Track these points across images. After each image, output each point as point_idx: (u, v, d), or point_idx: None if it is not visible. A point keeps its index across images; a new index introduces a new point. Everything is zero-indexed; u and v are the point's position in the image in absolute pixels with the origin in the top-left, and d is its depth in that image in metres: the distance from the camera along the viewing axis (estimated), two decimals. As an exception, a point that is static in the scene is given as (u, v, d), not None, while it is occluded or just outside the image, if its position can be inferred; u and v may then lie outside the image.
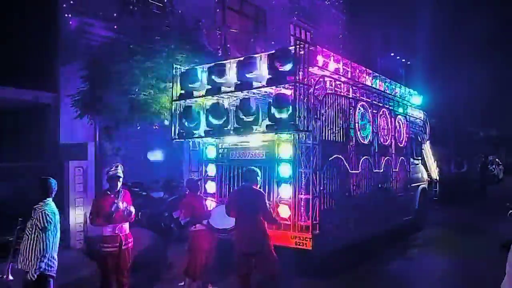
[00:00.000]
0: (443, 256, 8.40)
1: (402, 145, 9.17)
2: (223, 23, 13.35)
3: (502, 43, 26.55)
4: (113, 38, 8.79)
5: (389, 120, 8.54)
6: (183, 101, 7.19)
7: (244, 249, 5.14)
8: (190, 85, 6.98)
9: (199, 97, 7.02)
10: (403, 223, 9.27)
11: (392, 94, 9.07)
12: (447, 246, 9.31)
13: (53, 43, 9.28)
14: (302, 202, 6.12)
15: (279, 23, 15.82)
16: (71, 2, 9.33)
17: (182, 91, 7.18)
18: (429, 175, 11.43)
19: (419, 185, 10.49)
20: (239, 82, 6.42)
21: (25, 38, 8.56)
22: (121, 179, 5.45)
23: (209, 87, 6.85)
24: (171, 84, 7.50)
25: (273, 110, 5.91)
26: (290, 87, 5.83)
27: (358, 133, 7.30)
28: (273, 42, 14.24)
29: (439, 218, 11.99)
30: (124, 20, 9.57)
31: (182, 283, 6.10)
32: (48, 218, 4.20)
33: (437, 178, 11.81)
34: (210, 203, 6.85)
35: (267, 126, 6.09)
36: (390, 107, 8.79)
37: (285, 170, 6.30)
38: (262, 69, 6.24)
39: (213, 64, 6.87)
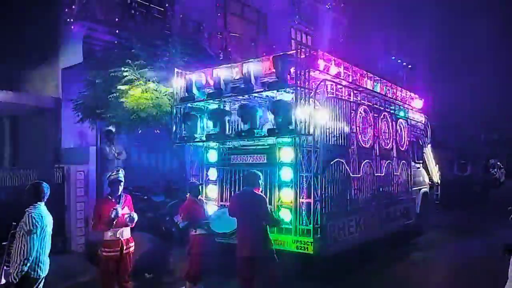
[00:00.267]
0: (445, 260, 8.38)
1: (403, 149, 9.15)
2: (224, 27, 13.39)
3: (503, 46, 26.56)
4: (115, 42, 8.82)
5: (390, 123, 8.53)
6: (185, 105, 7.21)
7: (245, 254, 5.11)
8: (191, 89, 6.99)
9: (201, 101, 7.04)
10: (404, 226, 9.24)
11: (393, 97, 9.07)
12: (448, 250, 9.29)
13: (54, 48, 9.32)
14: (304, 206, 6.11)
15: (280, 27, 15.85)
16: (73, 6, 9.37)
17: (184, 95, 7.20)
18: (430, 179, 11.40)
19: (420, 189, 10.47)
20: (241, 86, 6.43)
21: (27, 42, 8.60)
22: (122, 184, 5.45)
23: (211, 91, 6.87)
24: (172, 88, 7.51)
25: (274, 114, 5.92)
26: (291, 91, 5.84)
27: (359, 137, 7.29)
28: (274, 46, 14.27)
29: (441, 221, 11.96)
30: (126, 24, 9.62)
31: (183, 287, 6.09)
32: (33, 221, 4.15)
33: (439, 182, 11.79)
34: (211, 207, 6.85)
35: (268, 130, 6.09)
36: (391, 111, 8.78)
37: (286, 174, 6.30)
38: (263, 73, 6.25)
39: (214, 67, 6.87)
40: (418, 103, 10.55)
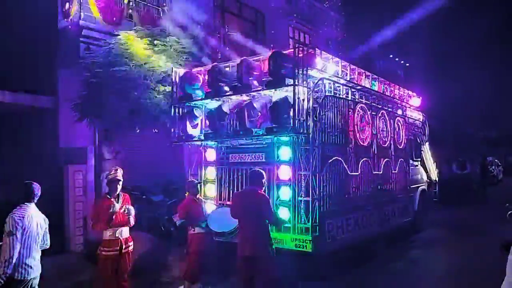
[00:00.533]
0: (443, 257, 8.41)
1: (401, 147, 9.18)
2: (222, 26, 13.38)
3: (501, 44, 26.62)
4: (113, 41, 8.80)
5: (388, 122, 8.55)
6: (183, 104, 7.21)
7: (247, 253, 5.05)
8: (189, 88, 6.99)
9: (199, 100, 7.04)
10: (402, 224, 9.27)
11: (391, 95, 9.09)
12: (446, 247, 9.32)
13: (52, 47, 9.30)
14: (302, 204, 6.12)
15: (278, 26, 15.85)
16: (70, 5, 9.35)
17: (182, 94, 7.20)
18: (428, 177, 11.44)
19: (418, 187, 10.50)
20: (238, 85, 6.44)
21: (23, 42, 8.57)
22: (120, 183, 5.45)
23: (209, 90, 6.87)
24: (170, 87, 7.51)
25: (272, 112, 5.93)
26: (289, 89, 5.84)
27: (357, 135, 7.31)
28: (272, 45, 14.27)
29: (439, 219, 11.99)
30: (124, 23, 9.59)
31: (182, 287, 6.10)
32: (13, 222, 4.11)
33: (437, 180, 11.83)
34: (210, 206, 6.86)
35: (266, 128, 6.09)
36: (389, 109, 8.80)
37: (284, 173, 6.31)
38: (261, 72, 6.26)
39: (211, 66, 6.87)
40: (416, 101, 10.58)
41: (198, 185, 6.68)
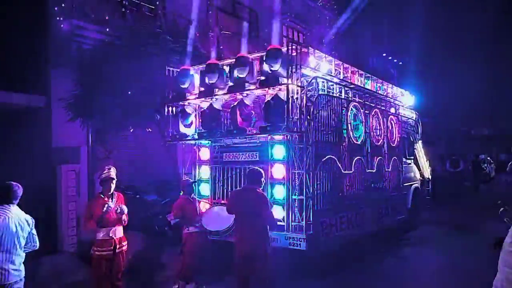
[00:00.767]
0: (436, 255, 8.47)
1: (394, 145, 9.23)
2: (215, 25, 13.36)
3: (493, 42, 26.82)
4: (106, 41, 8.76)
5: (381, 120, 8.60)
6: (176, 103, 7.19)
7: (245, 251, 5.03)
8: (183, 87, 6.98)
9: (192, 99, 7.03)
10: (396, 222, 9.33)
11: (384, 94, 9.14)
12: (440, 245, 9.39)
13: (44, 46, 9.23)
14: (296, 202, 6.14)
15: (272, 25, 15.84)
16: (63, 5, 9.29)
17: (175, 93, 7.18)
18: (421, 174, 11.52)
19: (411, 185, 10.57)
20: (232, 84, 6.44)
21: (15, 41, 8.50)
22: (114, 181, 5.42)
23: (202, 89, 6.86)
24: (164, 86, 7.49)
25: (266, 111, 5.93)
26: (283, 88, 5.85)
27: (351, 133, 7.34)
28: (266, 44, 14.26)
29: (432, 217, 12.08)
30: (116, 22, 9.55)
31: (176, 286, 6.09)
32: None
33: (430, 177, 11.92)
34: (204, 205, 6.86)
35: (260, 127, 6.10)
36: (382, 107, 8.85)
37: (278, 171, 6.32)
38: (254, 70, 6.26)
39: (205, 65, 6.86)
40: (409, 99, 10.64)
41: (192, 184, 6.67)
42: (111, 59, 8.07)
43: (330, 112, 6.83)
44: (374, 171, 8.18)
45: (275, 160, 6.39)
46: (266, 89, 6.12)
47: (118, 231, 5.35)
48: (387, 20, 25.82)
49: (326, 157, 6.57)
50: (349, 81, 7.60)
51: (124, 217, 5.35)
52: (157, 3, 11.22)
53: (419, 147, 11.61)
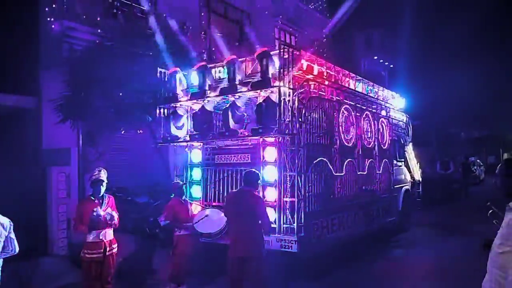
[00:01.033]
0: (426, 256, 8.54)
1: (385, 147, 9.30)
2: (207, 27, 13.36)
3: (483, 46, 27.14)
4: (97, 42, 8.71)
5: (372, 122, 8.66)
6: (168, 105, 7.17)
7: (239, 254, 5.00)
8: (174, 89, 6.97)
9: (184, 101, 7.02)
10: (387, 224, 9.38)
11: (375, 97, 9.20)
12: (430, 246, 9.46)
13: (34, 47, 9.16)
14: (287, 205, 6.15)
15: (264, 27, 15.89)
16: (54, 6, 9.22)
17: (167, 95, 7.16)
18: (412, 177, 11.61)
19: (402, 187, 10.65)
20: (224, 86, 6.44)
21: (5, 42, 8.42)
22: (104, 184, 5.38)
23: (194, 90, 6.86)
24: (155, 88, 7.46)
25: (258, 113, 5.94)
26: (275, 90, 5.87)
27: (342, 136, 7.38)
28: (258, 46, 14.28)
29: (422, 218, 12.17)
30: (108, 23, 9.50)
31: (167, 288, 6.07)
32: None
33: (420, 179, 12.01)
34: (196, 207, 6.84)
35: (252, 129, 6.11)
36: (373, 110, 8.91)
37: (270, 173, 6.33)
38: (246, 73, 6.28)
39: (197, 67, 6.86)
40: (399, 102, 10.73)
41: (184, 186, 6.65)
42: (102, 60, 8.02)
43: (321, 114, 6.87)
44: (365, 173, 8.23)
45: (267, 162, 6.39)
46: (258, 91, 6.14)
47: (108, 234, 5.31)
48: (378, 22, 26.03)
49: (318, 159, 6.60)
50: (340, 83, 7.65)
51: (115, 222, 5.32)
52: (149, 4, 11.18)
53: (409, 149, 11.71)
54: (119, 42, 8.38)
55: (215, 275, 6.54)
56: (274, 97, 5.86)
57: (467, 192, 18.91)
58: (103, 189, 5.36)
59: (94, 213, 5.10)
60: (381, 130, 9.10)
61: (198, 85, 6.72)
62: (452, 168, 18.71)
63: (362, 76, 8.77)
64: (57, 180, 8.38)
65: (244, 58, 6.57)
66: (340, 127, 7.33)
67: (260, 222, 5.09)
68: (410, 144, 11.76)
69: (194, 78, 6.82)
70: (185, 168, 7.51)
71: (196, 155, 7.38)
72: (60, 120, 8.23)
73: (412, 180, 11.55)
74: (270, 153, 6.38)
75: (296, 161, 6.08)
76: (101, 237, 5.20)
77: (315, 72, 6.81)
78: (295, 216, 6.02)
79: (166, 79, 7.15)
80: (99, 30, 9.14)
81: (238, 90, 6.32)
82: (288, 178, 6.15)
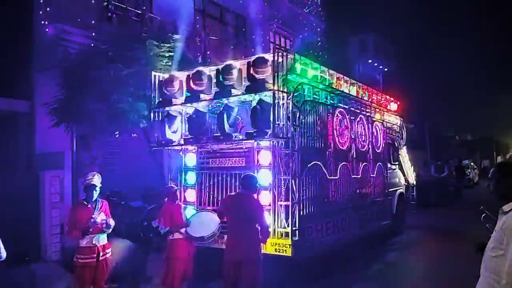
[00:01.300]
0: (420, 260, 8.56)
1: (379, 151, 9.32)
2: (202, 31, 13.37)
3: (478, 48, 27.38)
4: (91, 45, 8.69)
5: (366, 126, 8.68)
6: (162, 109, 7.16)
7: (236, 258, 4.96)
8: (169, 93, 6.96)
9: (178, 104, 7.00)
10: (381, 227, 9.40)
11: (369, 100, 9.23)
12: (424, 250, 9.49)
13: (28, 50, 9.12)
14: (282, 208, 6.13)
15: (259, 31, 15.93)
16: (48, 9, 9.19)
17: (161, 99, 7.15)
18: (406, 180, 11.65)
19: (396, 190, 10.67)
20: (218, 89, 6.44)
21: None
22: (97, 189, 5.35)
23: (188, 94, 6.85)
24: (150, 91, 7.45)
25: (252, 117, 5.94)
26: (269, 94, 5.87)
27: (336, 139, 7.39)
28: (253, 50, 14.33)
29: (416, 222, 12.20)
30: (103, 27, 9.48)
31: (161, 293, 6.02)
32: None
33: (414, 183, 12.06)
34: (190, 211, 6.81)
35: (246, 133, 6.10)
36: (368, 114, 8.93)
37: (264, 177, 6.31)
38: (241, 76, 6.27)
39: (192, 70, 6.85)
40: (393, 106, 10.77)
41: (177, 190, 6.62)
42: (96, 63, 7.99)
43: (316, 118, 6.87)
44: (359, 176, 8.24)
45: (261, 166, 6.38)
46: (253, 95, 6.14)
47: (102, 238, 5.28)
48: (373, 26, 26.18)
49: (312, 163, 6.60)
50: (335, 87, 7.66)
51: (110, 229, 5.30)
52: (144, 8, 11.18)
53: (403, 152, 11.74)
54: (113, 45, 8.37)
55: (209, 279, 6.51)
56: (269, 101, 5.86)
57: (461, 195, 19.03)
58: (96, 194, 5.32)
59: (91, 222, 5.07)
60: (375, 134, 9.13)
61: (192, 89, 6.71)
62: (446, 171, 18.81)
63: (356, 79, 8.79)
64: (50, 184, 8.31)
65: (239, 62, 6.57)
66: (335, 131, 7.34)
67: (258, 226, 5.06)
68: (404, 147, 11.80)
69: (189, 81, 6.79)
70: (179, 172, 7.48)
71: (190, 159, 7.35)
72: (53, 124, 8.18)
73: (406, 183, 11.59)
74: (265, 157, 6.37)
75: (291, 164, 6.08)
76: (94, 242, 5.17)
77: (310, 76, 6.82)
78: (290, 220, 6.00)
79: (160, 83, 7.13)
80: (93, 34, 9.13)
81: (233, 94, 6.31)
82: (282, 182, 6.14)
